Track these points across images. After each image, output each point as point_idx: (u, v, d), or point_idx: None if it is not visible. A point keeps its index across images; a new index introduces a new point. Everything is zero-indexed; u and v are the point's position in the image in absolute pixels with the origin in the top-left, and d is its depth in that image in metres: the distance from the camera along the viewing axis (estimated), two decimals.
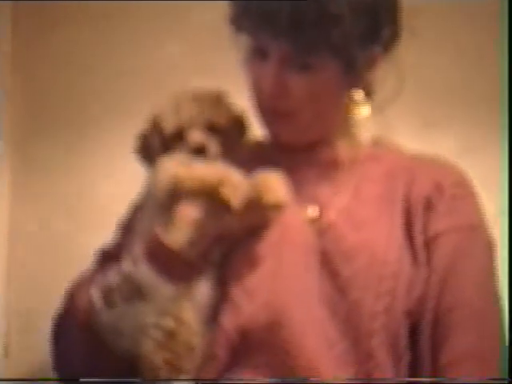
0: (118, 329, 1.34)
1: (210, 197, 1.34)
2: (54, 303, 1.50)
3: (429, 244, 1.42)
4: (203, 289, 1.38)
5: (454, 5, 2.18)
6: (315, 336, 1.36)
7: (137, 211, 1.51)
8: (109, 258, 1.47)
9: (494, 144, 2.13)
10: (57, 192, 2.10)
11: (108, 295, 1.34)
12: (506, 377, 1.43)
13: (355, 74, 1.48)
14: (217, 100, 1.45)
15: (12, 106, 2.13)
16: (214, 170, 1.37)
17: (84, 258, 1.51)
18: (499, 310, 1.43)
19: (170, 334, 1.33)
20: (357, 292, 1.38)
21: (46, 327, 1.64)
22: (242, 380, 1.34)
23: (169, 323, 1.33)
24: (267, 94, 1.46)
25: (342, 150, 1.54)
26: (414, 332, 1.39)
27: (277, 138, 1.52)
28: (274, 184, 1.38)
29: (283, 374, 1.34)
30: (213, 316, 1.39)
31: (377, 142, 1.59)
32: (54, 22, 2.17)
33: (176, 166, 1.37)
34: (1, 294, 2.08)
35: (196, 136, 1.39)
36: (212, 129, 1.41)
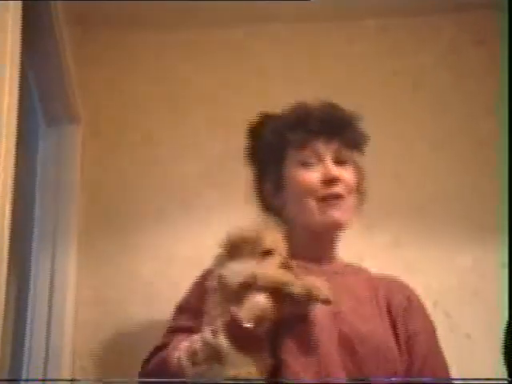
0: (198, 379, 1.58)
1: (279, 291, 1.62)
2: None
3: (409, 339, 1.76)
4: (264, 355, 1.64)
5: None
6: None
7: (201, 295, 1.76)
8: (177, 331, 1.76)
9: None
10: (110, 270, 2.48)
11: (193, 357, 1.59)
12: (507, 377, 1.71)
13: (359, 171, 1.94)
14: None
15: (80, 212, 2.52)
16: (280, 272, 1.67)
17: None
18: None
19: None
20: (370, 367, 1.67)
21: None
22: (242, 380, 1.57)
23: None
24: (327, 183, 1.83)
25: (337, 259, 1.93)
26: None
27: (331, 218, 1.83)
28: (323, 285, 1.65)
29: None
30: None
31: (356, 265, 1.96)
32: (113, 146, 2.63)
33: (251, 267, 1.66)
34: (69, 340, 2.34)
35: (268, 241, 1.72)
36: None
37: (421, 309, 1.87)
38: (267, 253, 1.71)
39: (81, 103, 2.54)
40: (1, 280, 1.38)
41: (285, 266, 1.71)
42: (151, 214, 2.54)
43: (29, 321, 2.34)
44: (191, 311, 1.78)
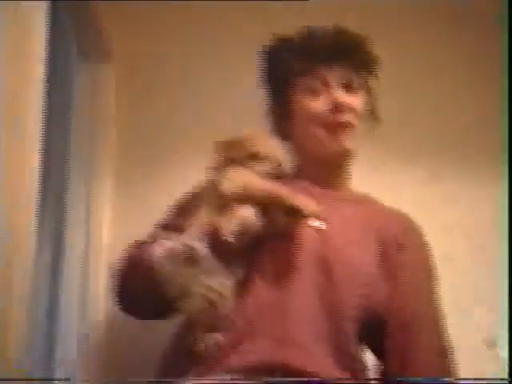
0: (172, 279, 1.58)
1: (268, 205, 1.61)
2: None
3: (395, 271, 1.75)
4: (237, 271, 1.64)
5: None
6: (304, 315, 1.62)
7: (193, 199, 1.76)
8: (166, 228, 1.74)
9: None
10: (144, 209, 2.41)
11: (172, 256, 1.58)
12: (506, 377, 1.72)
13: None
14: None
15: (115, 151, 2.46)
16: (271, 185, 1.64)
17: None
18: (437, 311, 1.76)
19: (213, 304, 1.58)
20: (346, 290, 1.65)
21: None
22: (242, 380, 1.54)
23: (214, 296, 1.58)
24: (334, 110, 1.79)
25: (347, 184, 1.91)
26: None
27: (340, 146, 1.81)
28: (312, 203, 1.63)
29: (282, 343, 1.58)
30: (241, 293, 1.62)
31: (364, 195, 1.92)
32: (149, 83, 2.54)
33: (246, 177, 1.65)
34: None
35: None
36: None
37: (416, 245, 1.83)
38: (254, 157, 1.69)
39: (115, 40, 2.49)
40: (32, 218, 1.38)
41: (276, 174, 1.70)
42: (188, 152, 2.47)
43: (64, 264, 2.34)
44: (184, 212, 1.74)
